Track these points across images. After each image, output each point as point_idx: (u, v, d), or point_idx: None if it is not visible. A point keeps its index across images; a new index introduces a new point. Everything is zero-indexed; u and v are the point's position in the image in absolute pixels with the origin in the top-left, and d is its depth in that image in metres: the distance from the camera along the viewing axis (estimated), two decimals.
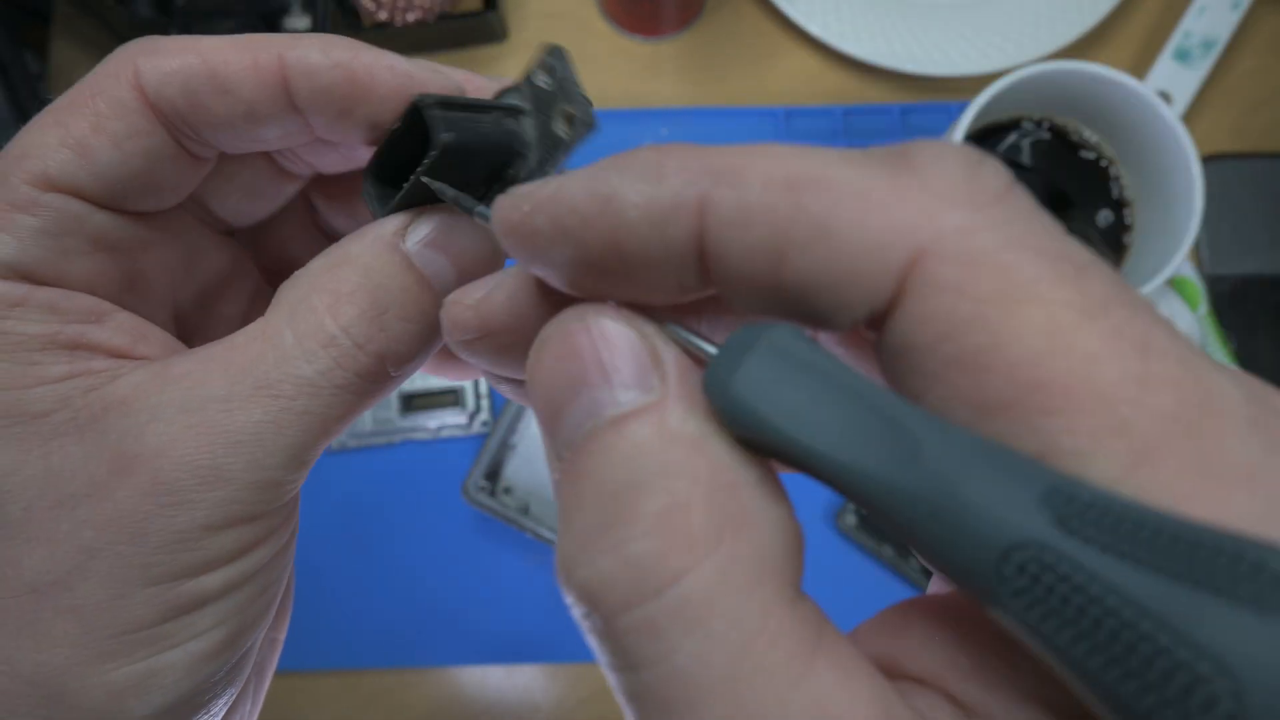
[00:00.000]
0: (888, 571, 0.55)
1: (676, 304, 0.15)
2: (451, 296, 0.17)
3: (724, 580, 0.12)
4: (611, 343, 0.14)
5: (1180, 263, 0.43)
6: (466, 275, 0.19)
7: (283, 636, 0.24)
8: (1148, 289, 0.43)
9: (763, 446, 0.13)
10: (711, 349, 0.14)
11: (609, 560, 0.12)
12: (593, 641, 0.13)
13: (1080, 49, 0.61)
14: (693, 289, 0.14)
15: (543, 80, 0.19)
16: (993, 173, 0.12)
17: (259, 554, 0.18)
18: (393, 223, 0.19)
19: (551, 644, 0.55)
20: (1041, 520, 0.10)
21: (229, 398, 0.17)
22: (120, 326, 0.18)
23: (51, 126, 0.17)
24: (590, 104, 0.19)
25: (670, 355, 0.14)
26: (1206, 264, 0.59)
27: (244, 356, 0.17)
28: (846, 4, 0.60)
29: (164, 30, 0.55)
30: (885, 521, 0.12)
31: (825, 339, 0.16)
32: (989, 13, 0.60)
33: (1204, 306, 0.57)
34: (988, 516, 0.11)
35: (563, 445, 0.14)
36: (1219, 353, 0.56)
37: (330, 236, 0.25)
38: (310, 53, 0.18)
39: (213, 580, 0.17)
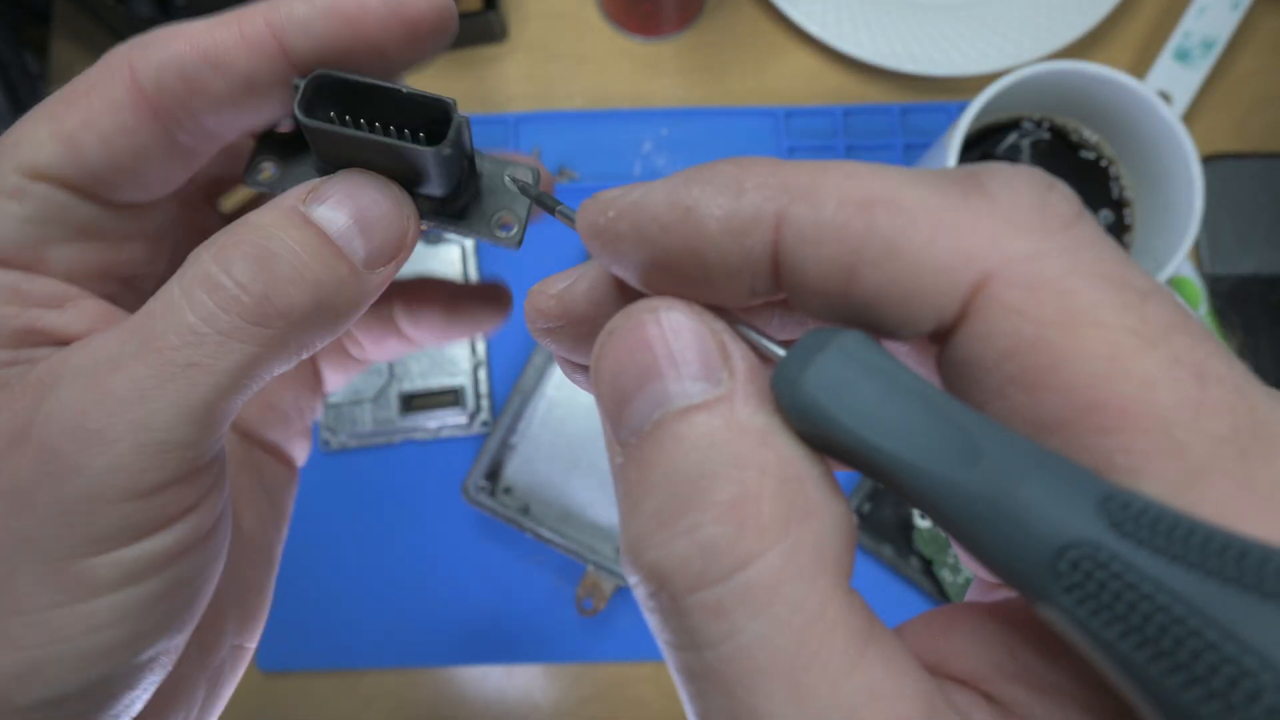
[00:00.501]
0: (887, 571, 0.55)
1: (745, 306, 0.15)
2: (535, 287, 0.18)
3: (789, 567, 0.12)
4: (681, 335, 0.14)
5: (1180, 263, 0.43)
6: (371, 233, 0.18)
7: (252, 645, 0.24)
8: None
9: (825, 443, 0.14)
10: (779, 349, 0.14)
11: (681, 543, 0.12)
12: (655, 621, 0.13)
13: (1080, 49, 0.61)
14: (764, 294, 0.15)
15: (513, 180, 0.21)
16: (1062, 199, 0.13)
17: (161, 540, 0.17)
18: (294, 193, 0.18)
19: (551, 644, 0.55)
20: (1097, 522, 0.11)
21: (118, 357, 0.16)
22: (83, 312, 0.18)
23: (44, 120, 0.18)
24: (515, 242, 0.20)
25: (738, 350, 0.14)
26: (1206, 264, 0.59)
27: (139, 317, 0.17)
28: (846, 4, 0.60)
29: None
30: (941, 519, 0.13)
31: (890, 345, 0.17)
32: (989, 13, 0.60)
33: (1204, 306, 0.57)
34: (1045, 516, 0.11)
35: (628, 432, 0.14)
36: None
37: None
38: (295, 6, 0.18)
39: (105, 564, 0.16)
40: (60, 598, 0.16)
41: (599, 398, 0.15)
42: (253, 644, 0.24)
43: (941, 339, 0.13)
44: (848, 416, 0.13)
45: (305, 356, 0.18)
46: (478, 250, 0.59)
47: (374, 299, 0.19)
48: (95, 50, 0.61)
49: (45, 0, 0.61)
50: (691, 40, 0.62)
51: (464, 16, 0.59)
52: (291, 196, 0.18)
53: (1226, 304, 0.58)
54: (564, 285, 0.17)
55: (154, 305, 0.17)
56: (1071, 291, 0.12)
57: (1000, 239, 0.12)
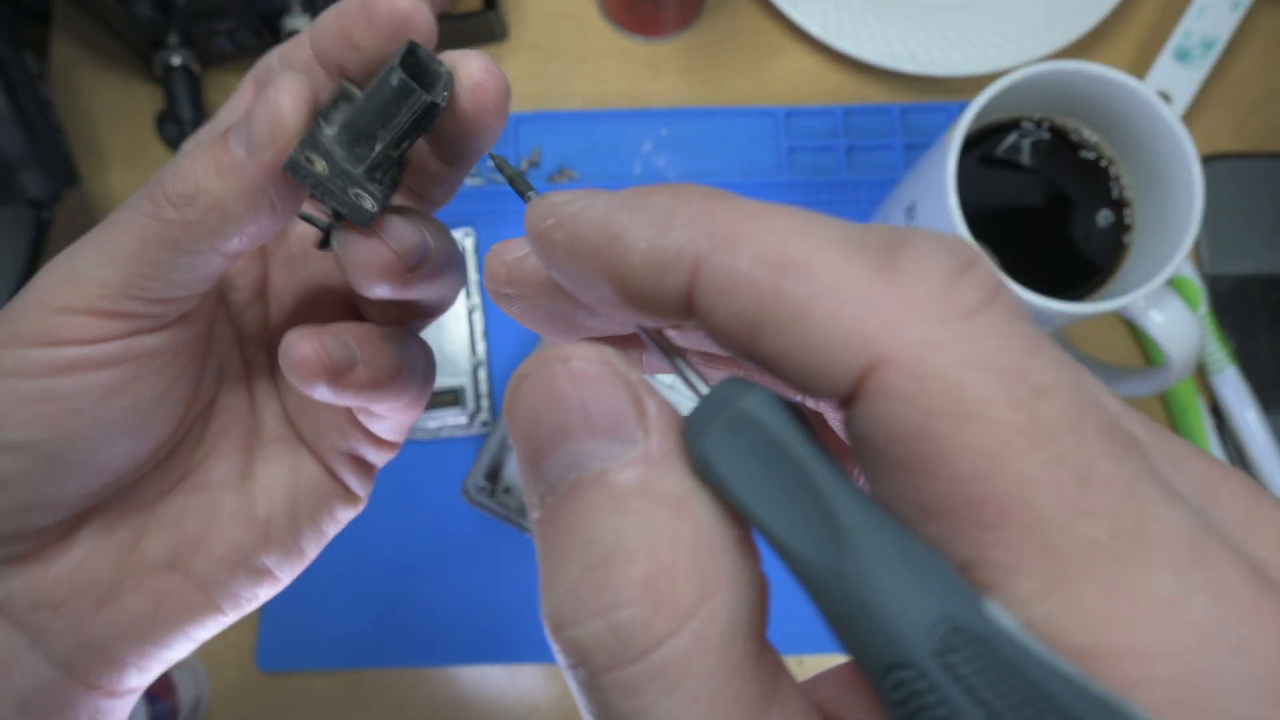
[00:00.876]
0: None
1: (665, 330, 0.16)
2: (495, 246, 0.18)
3: (701, 643, 0.12)
4: (594, 389, 0.14)
5: (1180, 263, 0.43)
6: (252, 124, 0.20)
7: (225, 607, 0.25)
8: (1148, 289, 0.43)
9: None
10: (704, 386, 0.14)
11: (597, 624, 0.13)
12: (574, 689, 0.14)
13: (1080, 49, 0.61)
14: (681, 326, 0.15)
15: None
16: (975, 283, 0.12)
17: (51, 353, 0.21)
18: None
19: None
20: (924, 646, 0.11)
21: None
22: None
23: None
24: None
25: (654, 406, 0.14)
26: (1206, 264, 0.59)
27: None
28: (846, 4, 0.60)
29: (163, 30, 0.55)
30: (812, 600, 0.13)
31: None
32: (989, 13, 0.60)
33: (1204, 306, 0.57)
34: (881, 630, 0.11)
35: (545, 489, 0.14)
36: (1219, 353, 0.56)
37: None
38: (321, 17, 0.22)
39: (8, 354, 0.21)
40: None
41: (514, 446, 0.15)
42: (226, 606, 0.25)
43: (844, 406, 0.13)
44: (738, 487, 0.13)
45: (224, 245, 0.21)
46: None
47: (266, 191, 0.21)
48: (95, 50, 0.61)
49: (45, 0, 0.61)
50: (691, 40, 0.62)
51: (464, 16, 0.59)
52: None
53: (1226, 304, 0.58)
54: (517, 255, 0.17)
55: None
56: (962, 384, 0.11)
57: (899, 324, 0.12)
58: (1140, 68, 0.61)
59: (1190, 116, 0.60)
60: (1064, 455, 0.11)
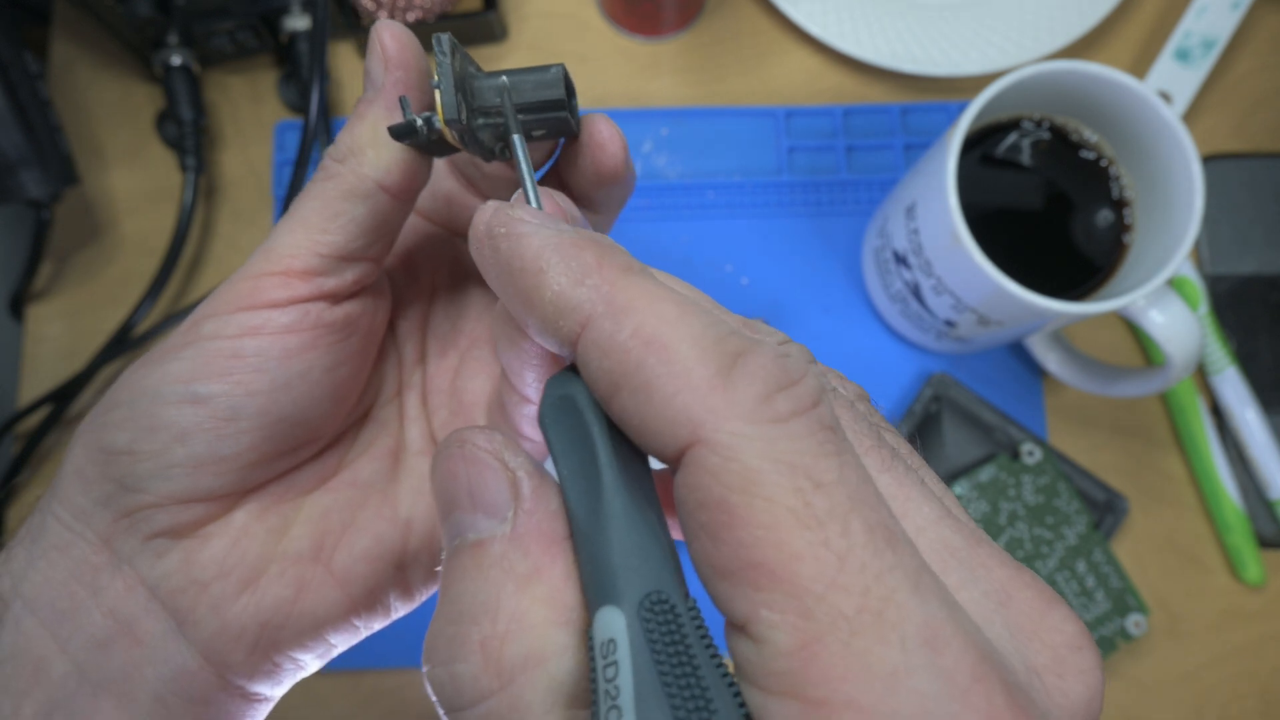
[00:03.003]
0: None
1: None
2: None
3: (519, 705, 0.15)
4: (480, 470, 0.17)
5: (1180, 263, 0.43)
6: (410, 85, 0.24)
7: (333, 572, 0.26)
8: (1148, 289, 0.43)
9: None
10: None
11: (441, 670, 0.16)
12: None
13: (1080, 49, 0.61)
14: (565, 353, 0.18)
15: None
16: (789, 398, 0.15)
17: (250, 317, 0.23)
18: None
19: None
20: (629, 613, 0.15)
21: None
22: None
23: None
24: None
25: (528, 488, 0.17)
26: (1206, 264, 0.59)
27: None
28: (846, 4, 0.60)
29: (163, 30, 0.55)
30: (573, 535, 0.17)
31: None
32: (989, 13, 0.60)
33: (1204, 306, 0.57)
34: (608, 582, 0.15)
35: (445, 542, 0.17)
36: (1219, 353, 0.56)
37: None
38: None
39: (224, 322, 0.23)
40: (203, 313, 0.23)
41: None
42: (361, 608, 0.26)
43: (673, 472, 0.16)
44: (555, 450, 0.17)
45: (386, 178, 0.23)
46: None
47: (401, 161, 0.24)
48: (95, 50, 0.61)
49: (45, 0, 0.61)
50: (691, 40, 0.62)
51: (464, 16, 0.59)
52: None
53: (1226, 304, 0.58)
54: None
55: None
56: (757, 470, 0.14)
57: (720, 416, 0.14)
58: (1140, 68, 0.61)
59: (1190, 116, 0.60)
60: (828, 539, 0.14)
